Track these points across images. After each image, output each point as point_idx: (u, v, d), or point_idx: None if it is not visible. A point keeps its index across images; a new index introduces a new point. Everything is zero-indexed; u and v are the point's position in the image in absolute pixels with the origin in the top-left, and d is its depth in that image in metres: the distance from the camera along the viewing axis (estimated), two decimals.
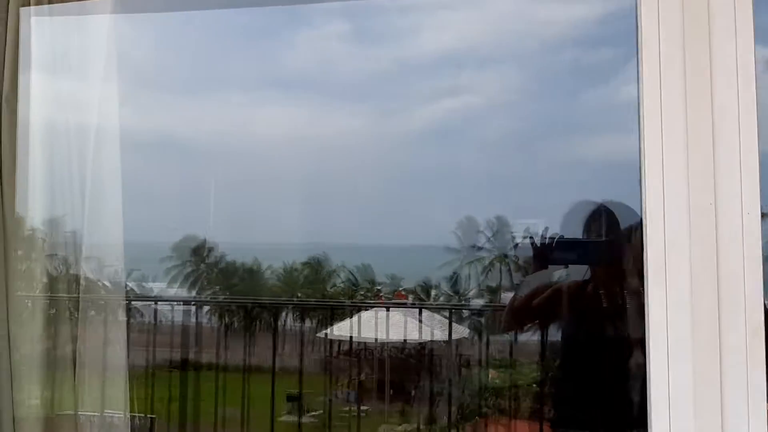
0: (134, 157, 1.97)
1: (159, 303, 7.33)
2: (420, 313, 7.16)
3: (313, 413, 6.38)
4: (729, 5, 1.04)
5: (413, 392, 6.60)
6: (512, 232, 9.67)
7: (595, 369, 2.22)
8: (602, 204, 2.37)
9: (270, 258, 12.38)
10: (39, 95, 2.00)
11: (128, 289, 2.15)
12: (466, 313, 8.50)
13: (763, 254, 1.10)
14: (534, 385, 4.91)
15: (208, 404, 5.17)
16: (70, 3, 2.00)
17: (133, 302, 5.31)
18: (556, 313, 2.36)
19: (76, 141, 2.00)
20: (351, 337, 6.52)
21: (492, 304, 9.76)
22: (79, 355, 1.96)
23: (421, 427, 5.98)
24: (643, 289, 2.24)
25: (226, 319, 9.20)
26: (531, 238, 2.43)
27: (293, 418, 6.01)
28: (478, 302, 10.75)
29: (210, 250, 12.47)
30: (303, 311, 9.61)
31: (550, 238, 2.41)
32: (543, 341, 3.95)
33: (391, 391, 6.68)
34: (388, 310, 6.65)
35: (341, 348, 7.54)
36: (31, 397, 1.98)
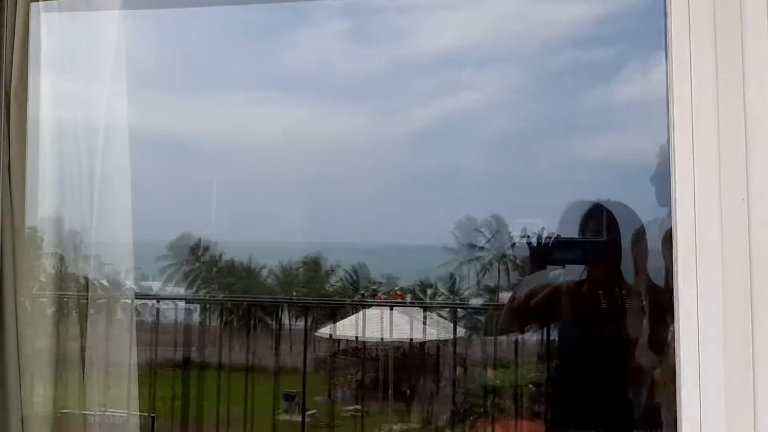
0: (132, 154, 1.95)
1: (158, 302, 7.32)
2: (422, 311, 7.16)
3: (311, 412, 6.42)
4: None
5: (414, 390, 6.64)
6: (509, 232, 9.66)
7: (593, 369, 2.20)
8: (600, 203, 2.34)
9: (267, 257, 12.35)
10: (48, 91, 1.98)
11: (127, 287, 2.13)
12: (461, 312, 8.49)
13: None
14: (530, 386, 4.90)
15: (210, 403, 5.15)
16: None
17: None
18: (555, 313, 2.34)
19: (84, 138, 1.98)
20: (356, 337, 6.54)
21: (491, 303, 9.75)
22: (87, 353, 1.95)
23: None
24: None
25: (225, 317, 9.18)
26: (528, 237, 2.41)
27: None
28: (476, 302, 10.74)
29: (206, 248, 12.41)
30: (300, 309, 9.59)
31: (547, 237, 2.39)
32: (542, 341, 3.93)
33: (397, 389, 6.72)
34: (391, 309, 6.65)
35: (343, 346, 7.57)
36: (39, 396, 1.96)
